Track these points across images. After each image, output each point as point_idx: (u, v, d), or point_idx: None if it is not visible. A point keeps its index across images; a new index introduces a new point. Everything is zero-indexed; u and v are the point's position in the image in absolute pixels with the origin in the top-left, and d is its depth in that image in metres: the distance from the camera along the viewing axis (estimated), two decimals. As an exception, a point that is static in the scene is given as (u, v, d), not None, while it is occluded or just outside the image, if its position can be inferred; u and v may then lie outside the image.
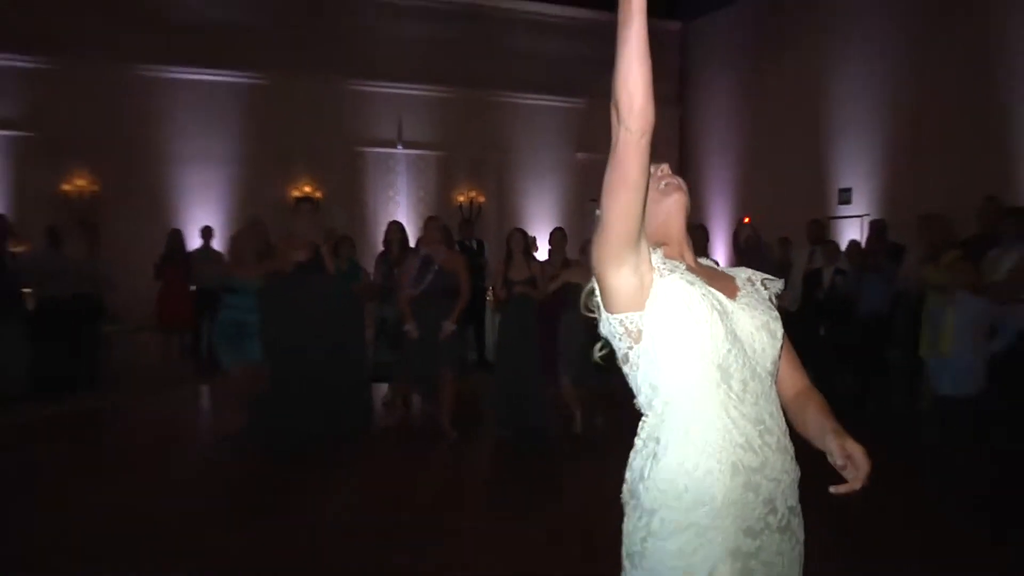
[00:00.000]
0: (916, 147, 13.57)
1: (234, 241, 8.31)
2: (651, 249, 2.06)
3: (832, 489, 1.98)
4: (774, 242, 13.70)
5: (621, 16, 1.94)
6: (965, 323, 6.45)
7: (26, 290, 9.94)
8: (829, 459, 2.03)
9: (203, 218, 14.03)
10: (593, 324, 6.13)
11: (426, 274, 7.73)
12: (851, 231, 14.58)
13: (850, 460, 2.04)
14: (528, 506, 6.07)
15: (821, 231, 11.60)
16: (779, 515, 2.03)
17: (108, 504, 5.97)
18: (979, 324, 6.52)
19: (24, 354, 9.62)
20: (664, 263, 2.06)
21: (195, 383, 11.10)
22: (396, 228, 9.81)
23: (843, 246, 14.03)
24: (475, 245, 12.34)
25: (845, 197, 14.95)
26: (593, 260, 2.06)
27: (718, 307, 2.03)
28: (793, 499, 2.08)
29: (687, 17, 18.68)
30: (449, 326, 7.79)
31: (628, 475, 2.09)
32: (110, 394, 10.12)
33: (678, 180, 2.34)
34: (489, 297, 12.21)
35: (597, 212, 2.07)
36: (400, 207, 16.59)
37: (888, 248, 10.20)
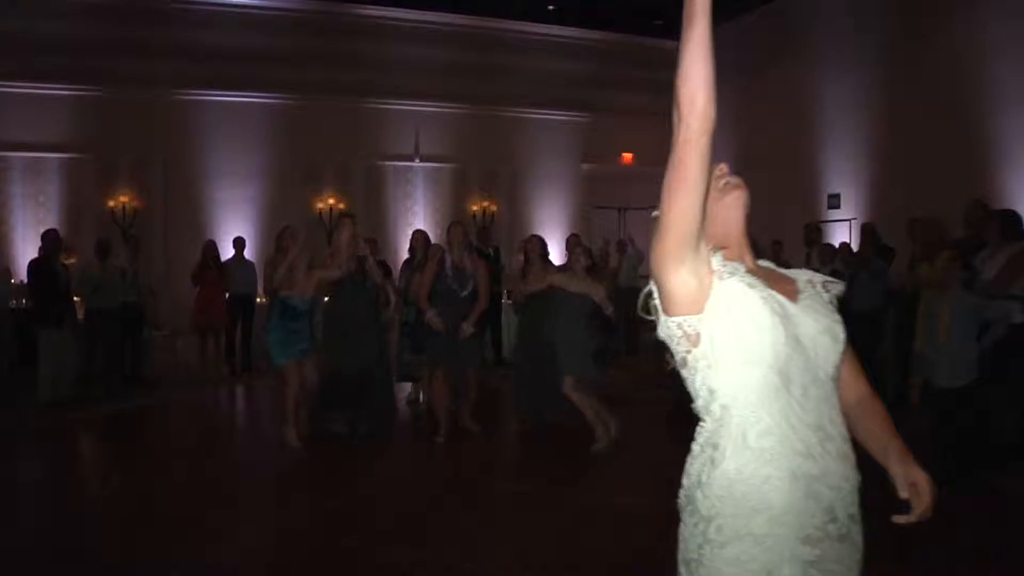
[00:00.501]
0: (901, 154, 13.86)
1: (286, 259, 8.17)
2: (710, 251, 1.95)
3: (895, 519, 1.99)
4: (766, 245, 14.28)
5: (686, 16, 1.88)
6: (960, 318, 6.62)
7: (76, 299, 10.66)
8: (893, 484, 2.04)
9: (236, 229, 14.61)
10: (588, 323, 6.80)
11: (466, 280, 8.17)
12: (840, 234, 14.97)
13: (914, 489, 2.03)
14: (550, 497, 6.28)
15: (817, 234, 12.07)
16: (839, 523, 1.91)
17: (180, 485, 6.63)
18: (973, 319, 6.69)
19: (75, 358, 10.34)
20: (724, 265, 1.95)
21: (231, 382, 11.84)
22: (420, 236, 10.03)
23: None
24: (492, 252, 12.89)
25: (834, 202, 15.40)
26: (652, 262, 1.95)
27: (779, 310, 1.92)
28: (853, 507, 1.96)
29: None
30: (468, 328, 8.07)
31: (685, 480, 2.00)
32: (156, 393, 10.85)
33: (738, 179, 2.24)
34: (506, 300, 12.89)
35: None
36: (418, 216, 17.19)
37: (879, 250, 10.58)
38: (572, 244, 9.48)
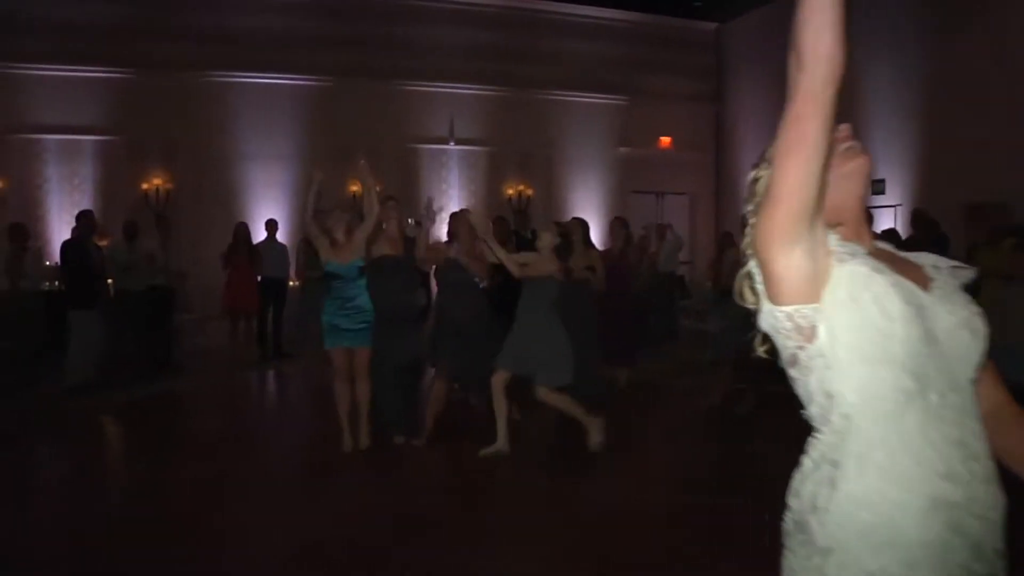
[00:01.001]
0: (949, 137, 13.37)
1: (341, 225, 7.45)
2: (826, 229, 1.62)
3: None
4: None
5: None
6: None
7: (109, 281, 10.40)
8: None
9: (267, 212, 14.32)
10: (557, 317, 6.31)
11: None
12: (885, 221, 14.51)
13: None
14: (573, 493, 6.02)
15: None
16: (986, 561, 1.55)
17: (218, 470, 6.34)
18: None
19: (103, 342, 10.10)
20: (843, 246, 1.62)
21: (261, 367, 11.54)
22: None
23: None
24: (531, 235, 12.49)
25: (878, 188, 14.85)
26: (756, 240, 1.63)
27: (914, 300, 1.58)
28: (1000, 540, 1.58)
29: (722, 19, 18.69)
30: None
31: (794, 503, 1.65)
32: (183, 379, 10.57)
33: (860, 144, 1.85)
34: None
35: (753, 175, 1.78)
36: (453, 200, 16.83)
37: (935, 237, 9.97)
38: (616, 227, 9.13)
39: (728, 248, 12.90)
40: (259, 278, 11.97)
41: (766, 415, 8.17)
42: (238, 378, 10.93)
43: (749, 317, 1.72)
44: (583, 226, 8.47)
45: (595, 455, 6.78)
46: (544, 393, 6.60)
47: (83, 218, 9.97)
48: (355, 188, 15.84)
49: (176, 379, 10.46)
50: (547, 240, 7.02)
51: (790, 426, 1.89)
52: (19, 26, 14.33)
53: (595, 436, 6.80)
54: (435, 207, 7.30)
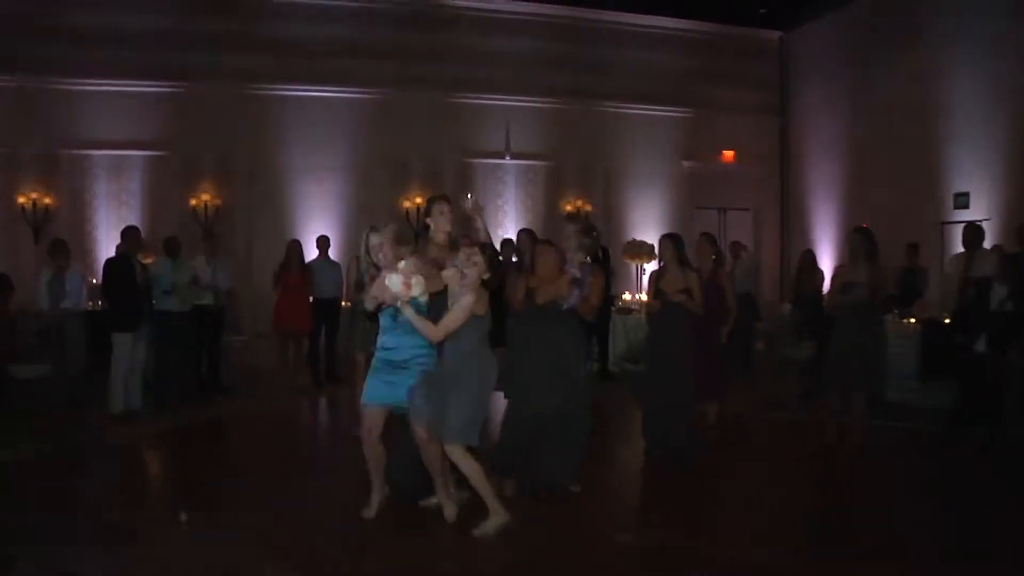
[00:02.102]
0: None
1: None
2: None
3: None
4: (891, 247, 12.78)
5: None
6: None
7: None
8: None
9: (319, 228, 13.57)
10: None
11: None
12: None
13: None
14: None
15: (977, 235, 9.55)
16: None
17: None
18: None
19: (148, 365, 9.30)
20: None
21: (313, 393, 10.62)
22: (528, 237, 8.81)
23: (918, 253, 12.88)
24: (600, 253, 11.48)
25: (962, 202, 13.68)
26: None
27: None
28: None
29: (786, 27, 17.56)
30: None
31: None
32: (231, 404, 9.69)
33: None
34: (614, 307, 11.60)
35: None
36: (509, 216, 15.94)
37: None
38: (704, 245, 8.10)
39: (810, 268, 11.85)
40: (311, 298, 11.05)
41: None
42: (288, 405, 9.99)
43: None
44: (675, 242, 7.45)
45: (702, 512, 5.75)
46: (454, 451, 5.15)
47: (128, 234, 9.14)
48: (409, 205, 15.02)
49: (222, 405, 9.56)
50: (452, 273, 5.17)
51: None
52: (68, 39, 13.77)
53: (491, 524, 5.19)
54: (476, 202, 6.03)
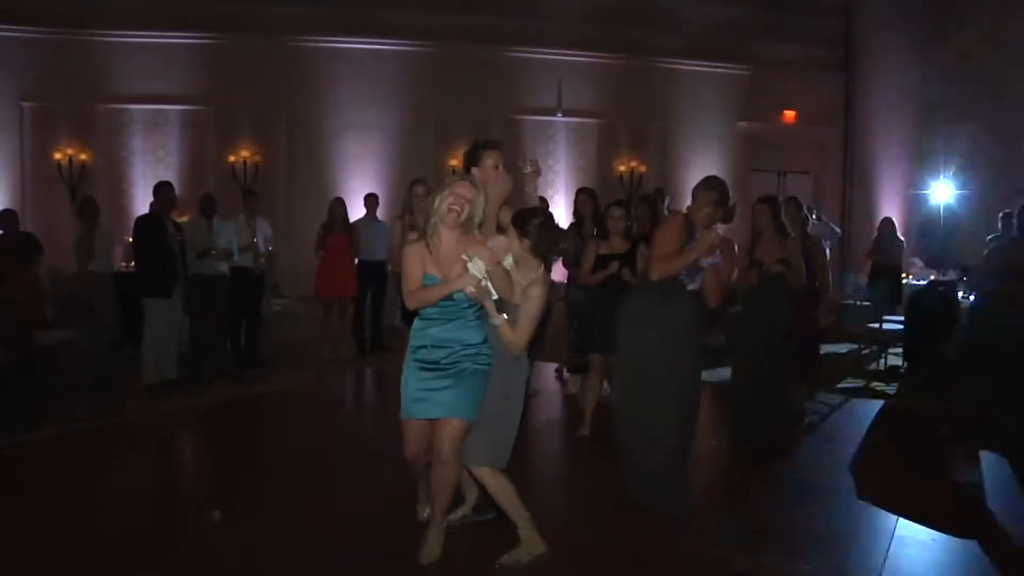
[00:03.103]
0: None
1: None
2: None
3: None
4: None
5: None
6: None
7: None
8: None
9: (364, 187, 12.62)
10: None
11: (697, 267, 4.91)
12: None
13: None
14: None
15: None
16: None
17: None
18: None
19: (183, 334, 8.37)
20: None
21: (359, 364, 9.65)
22: (588, 198, 7.82)
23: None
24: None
25: (1050, 166, 12.43)
26: None
27: None
28: None
29: (852, -19, 16.19)
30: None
31: None
32: (272, 377, 8.74)
33: None
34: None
35: None
36: (559, 176, 14.88)
37: None
38: (793, 211, 7.00)
39: (891, 238, 10.75)
40: (356, 261, 10.07)
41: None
42: (331, 379, 9.02)
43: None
44: (773, 206, 6.39)
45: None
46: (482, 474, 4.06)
47: (160, 191, 8.16)
48: (455, 163, 13.97)
49: (262, 379, 8.59)
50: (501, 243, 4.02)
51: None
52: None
53: (523, 552, 4.01)
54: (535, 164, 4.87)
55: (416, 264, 3.83)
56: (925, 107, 14.24)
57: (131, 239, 8.67)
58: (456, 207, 3.79)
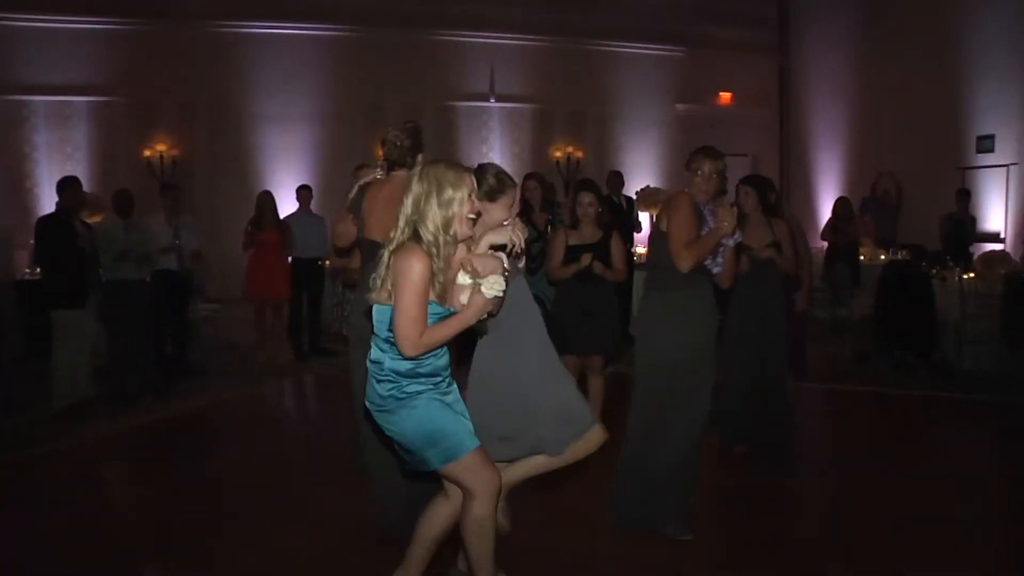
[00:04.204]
0: None
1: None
2: None
3: None
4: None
5: None
6: None
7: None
8: None
9: (289, 180, 11.61)
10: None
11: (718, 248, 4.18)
12: (993, 183, 11.75)
13: None
14: None
15: None
16: None
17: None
18: None
19: (99, 346, 7.24)
20: None
21: (296, 371, 8.60)
22: (537, 185, 6.99)
23: (983, 199, 11.36)
24: (624, 203, 9.58)
25: (986, 145, 11.98)
26: None
27: None
28: None
29: (787, -42, 15.59)
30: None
31: None
32: (201, 392, 7.62)
33: None
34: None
35: None
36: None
37: None
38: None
39: (847, 217, 10.20)
40: (290, 259, 9.03)
41: None
42: (269, 389, 7.99)
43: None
44: (758, 187, 5.71)
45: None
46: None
47: (67, 188, 6.95)
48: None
49: (192, 392, 7.50)
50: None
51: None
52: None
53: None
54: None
55: (424, 292, 2.74)
56: (864, 88, 13.72)
57: (34, 242, 7.45)
58: (475, 213, 2.89)
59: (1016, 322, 7.65)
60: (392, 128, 4.18)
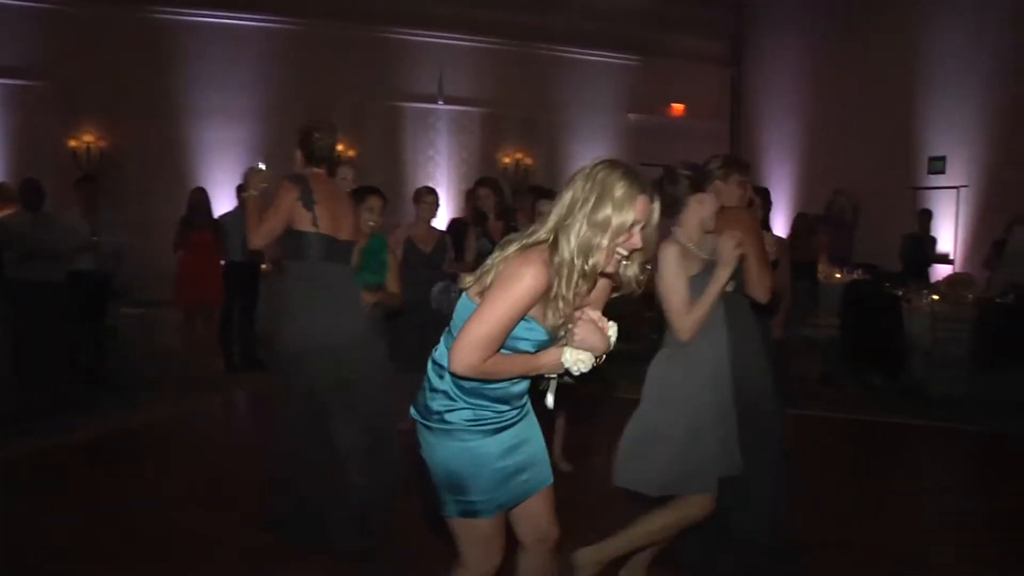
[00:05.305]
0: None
1: None
2: None
3: None
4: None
5: None
6: None
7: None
8: None
9: (227, 177, 10.70)
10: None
11: None
12: (944, 204, 11.43)
13: None
14: None
15: None
16: None
17: None
18: None
19: (4, 355, 6.29)
20: None
21: (227, 386, 7.68)
22: (491, 192, 6.31)
23: (934, 221, 11.06)
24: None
25: (937, 166, 11.67)
26: None
27: None
28: None
29: (743, -29, 15.10)
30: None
31: None
32: (120, 411, 6.67)
33: None
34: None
35: None
36: (440, 168, 13.22)
37: None
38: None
39: (806, 234, 9.69)
40: (223, 262, 8.16)
41: None
42: (198, 406, 7.06)
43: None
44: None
45: None
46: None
47: (-29, 177, 6.06)
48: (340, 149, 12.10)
49: (109, 411, 6.54)
50: None
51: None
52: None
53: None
54: None
55: (520, 313, 2.10)
56: (817, 104, 13.30)
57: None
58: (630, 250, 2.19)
59: (986, 348, 7.20)
60: (316, 121, 4.18)
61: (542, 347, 2.16)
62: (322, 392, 3.76)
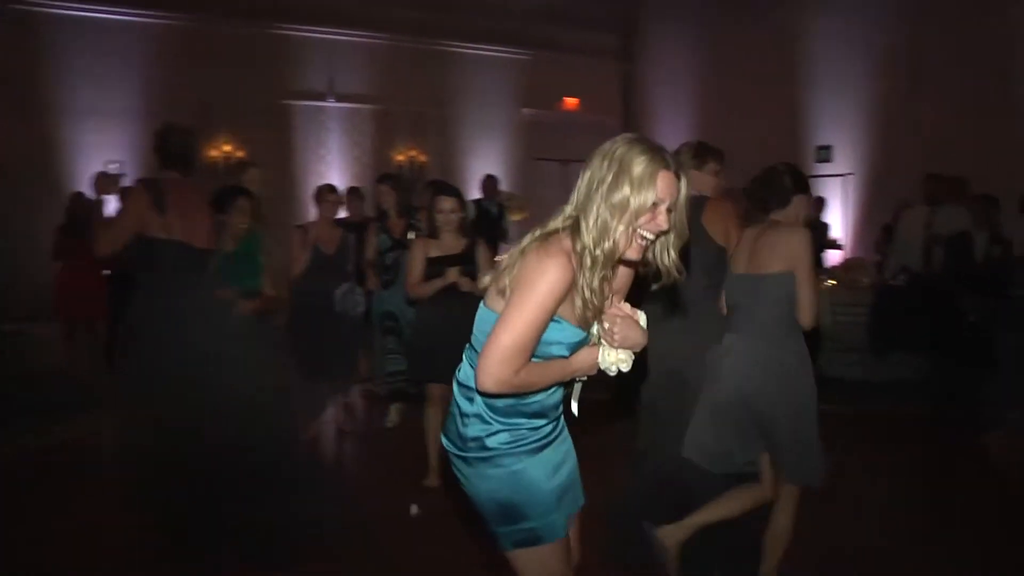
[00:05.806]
0: (908, 98, 10.84)
1: None
2: None
3: None
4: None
5: None
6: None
7: None
8: None
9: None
10: None
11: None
12: (832, 192, 11.80)
13: None
14: None
15: (956, 189, 7.24)
16: None
17: None
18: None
19: None
20: None
21: (111, 403, 7.15)
22: (391, 189, 6.14)
23: (827, 206, 11.33)
24: (496, 209, 8.71)
25: (824, 155, 12.04)
26: None
27: None
28: None
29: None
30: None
31: None
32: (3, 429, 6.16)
33: None
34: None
35: None
36: (332, 167, 12.84)
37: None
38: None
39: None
40: (107, 271, 7.68)
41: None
42: (81, 431, 6.54)
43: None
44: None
45: None
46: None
47: None
48: (215, 154, 11.67)
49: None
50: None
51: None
52: None
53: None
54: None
55: (549, 313, 1.91)
56: (707, 98, 13.46)
57: None
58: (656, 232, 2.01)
59: (883, 333, 7.36)
60: (171, 123, 4.03)
61: (576, 348, 1.99)
62: (184, 420, 3.51)
